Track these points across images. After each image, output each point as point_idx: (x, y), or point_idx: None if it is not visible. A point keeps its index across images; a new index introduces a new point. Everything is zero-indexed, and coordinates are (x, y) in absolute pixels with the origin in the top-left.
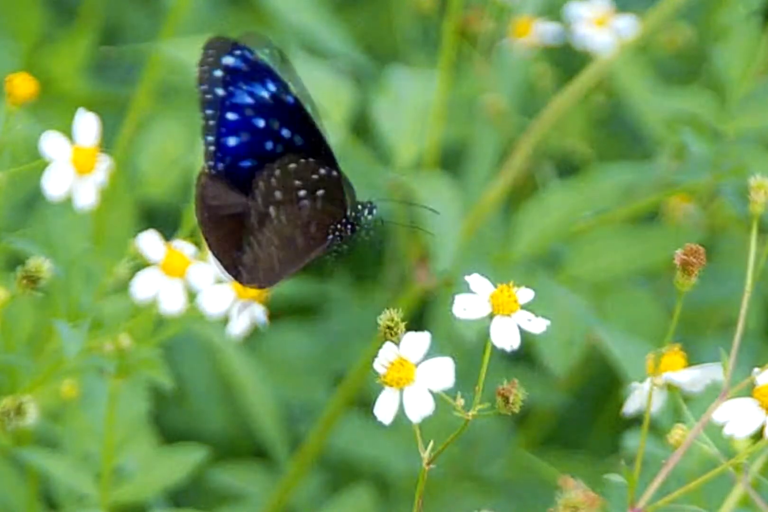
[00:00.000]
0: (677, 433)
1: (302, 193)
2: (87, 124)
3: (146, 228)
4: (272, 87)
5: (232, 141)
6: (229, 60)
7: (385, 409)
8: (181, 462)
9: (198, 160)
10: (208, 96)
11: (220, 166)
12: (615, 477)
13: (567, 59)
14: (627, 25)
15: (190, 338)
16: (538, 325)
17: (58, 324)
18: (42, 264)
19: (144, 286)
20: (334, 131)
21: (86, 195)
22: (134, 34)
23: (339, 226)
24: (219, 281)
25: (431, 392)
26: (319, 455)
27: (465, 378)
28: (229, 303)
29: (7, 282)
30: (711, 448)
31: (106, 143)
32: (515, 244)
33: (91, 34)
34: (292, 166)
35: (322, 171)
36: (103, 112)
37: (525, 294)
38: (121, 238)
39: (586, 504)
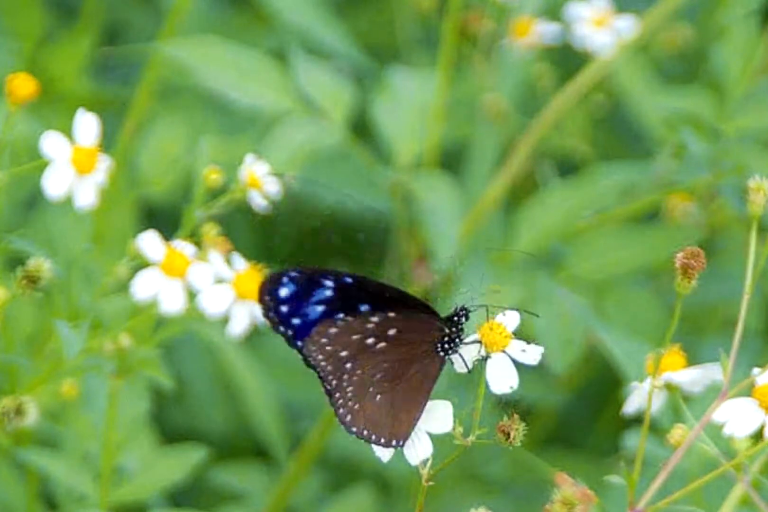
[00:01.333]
0: (677, 433)
1: (370, 341)
2: (87, 124)
3: (146, 228)
4: (330, 282)
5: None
6: (284, 291)
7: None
8: (181, 462)
9: (198, 160)
10: (291, 332)
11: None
12: (615, 478)
13: (567, 59)
14: (627, 25)
15: (190, 338)
16: (532, 355)
17: (58, 324)
18: (42, 264)
19: (144, 286)
20: (334, 131)
21: (86, 195)
22: (135, 35)
23: (444, 344)
24: (219, 281)
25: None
26: (320, 455)
27: (465, 383)
28: (229, 303)
29: (7, 282)
30: (711, 448)
31: (106, 143)
32: (515, 244)
33: (92, 35)
34: (333, 330)
35: (374, 318)
36: (103, 112)
37: (512, 319)
38: (121, 238)
39: (581, 501)
